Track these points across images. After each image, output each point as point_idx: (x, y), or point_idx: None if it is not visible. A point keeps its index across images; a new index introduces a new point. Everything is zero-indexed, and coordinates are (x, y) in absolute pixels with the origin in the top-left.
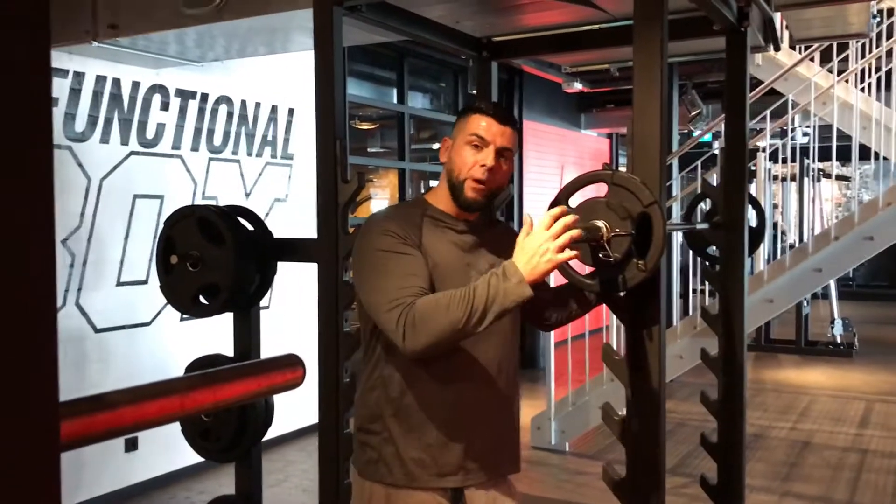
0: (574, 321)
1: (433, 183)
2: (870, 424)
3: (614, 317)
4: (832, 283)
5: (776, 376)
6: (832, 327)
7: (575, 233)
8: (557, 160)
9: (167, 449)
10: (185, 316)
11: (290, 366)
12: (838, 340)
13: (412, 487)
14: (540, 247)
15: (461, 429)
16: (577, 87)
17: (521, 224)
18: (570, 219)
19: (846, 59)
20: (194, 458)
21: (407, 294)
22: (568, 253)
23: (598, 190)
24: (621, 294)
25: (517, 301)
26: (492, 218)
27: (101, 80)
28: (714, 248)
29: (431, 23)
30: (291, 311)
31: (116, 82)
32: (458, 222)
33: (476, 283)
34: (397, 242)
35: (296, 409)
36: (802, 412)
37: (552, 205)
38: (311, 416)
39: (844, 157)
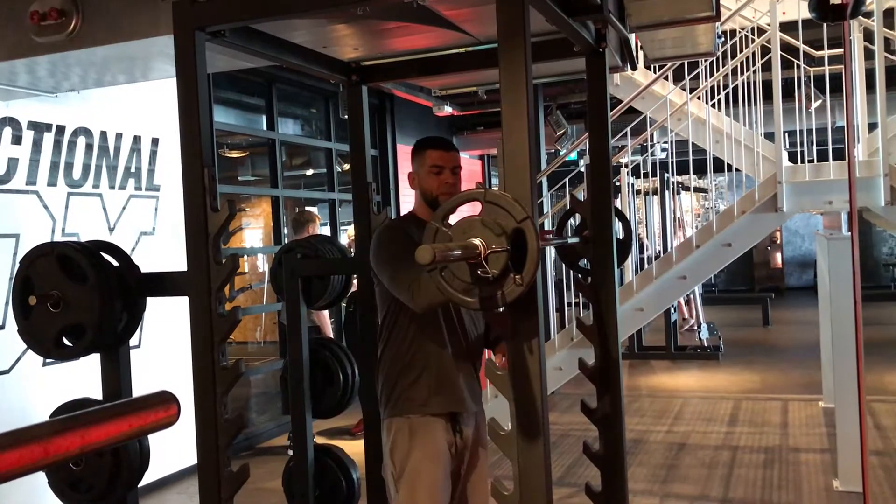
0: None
1: (309, 208)
2: (738, 422)
3: None
4: (696, 290)
5: (650, 382)
6: (699, 332)
7: None
8: None
9: None
10: (48, 360)
11: (162, 403)
12: (705, 344)
13: (424, 414)
14: None
15: (449, 375)
16: (448, 110)
17: None
18: None
19: (697, 77)
20: None
21: (413, 276)
22: None
23: (473, 209)
24: (501, 309)
25: None
26: None
27: None
28: (585, 261)
29: (298, 47)
30: (165, 349)
31: None
32: None
33: None
34: (401, 243)
35: (175, 449)
36: (676, 415)
37: (429, 226)
38: (191, 457)
39: (701, 169)
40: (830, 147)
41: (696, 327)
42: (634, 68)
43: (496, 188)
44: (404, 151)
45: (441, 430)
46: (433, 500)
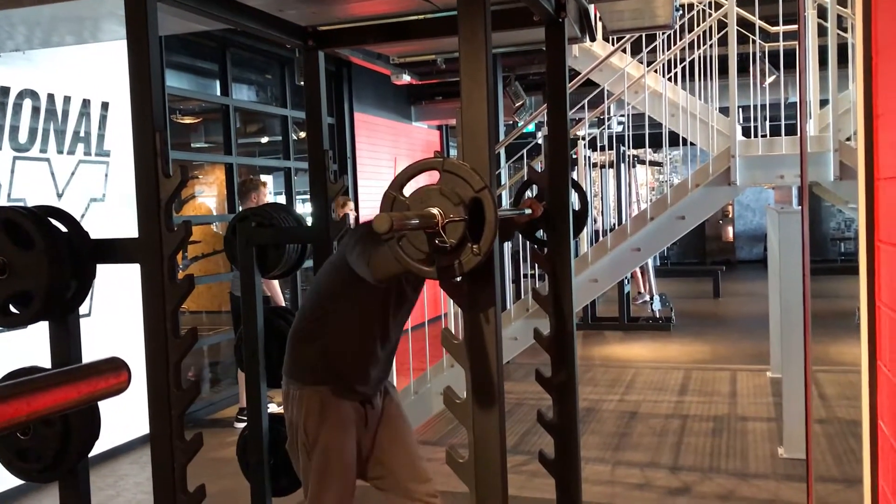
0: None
1: (263, 177)
2: (688, 391)
3: (452, 304)
4: (650, 262)
5: (603, 352)
6: (651, 303)
7: None
8: (390, 152)
9: None
10: None
11: (112, 370)
12: (657, 315)
13: (337, 395)
14: None
15: (368, 368)
16: (406, 78)
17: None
18: None
19: (655, 50)
20: (13, 481)
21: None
22: None
23: (431, 178)
24: (458, 279)
25: None
26: None
27: None
28: (542, 232)
29: (253, 10)
30: (116, 317)
31: None
32: None
33: None
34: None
35: (127, 419)
36: (628, 384)
37: (386, 194)
38: (144, 426)
39: (656, 143)
40: (783, 122)
41: (648, 299)
42: (593, 39)
43: (455, 158)
44: (361, 120)
45: (349, 407)
46: (344, 465)
